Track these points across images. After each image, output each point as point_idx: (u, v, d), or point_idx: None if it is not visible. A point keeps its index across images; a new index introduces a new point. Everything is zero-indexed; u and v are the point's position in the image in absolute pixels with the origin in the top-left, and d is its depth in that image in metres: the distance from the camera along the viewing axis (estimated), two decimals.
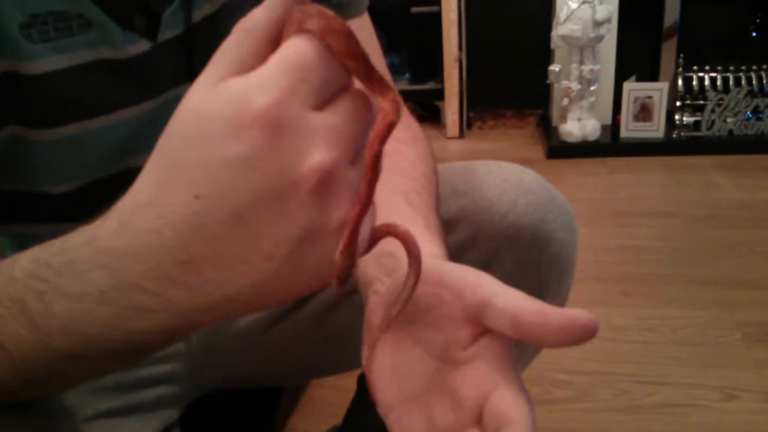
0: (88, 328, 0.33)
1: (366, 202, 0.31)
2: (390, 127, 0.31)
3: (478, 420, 0.34)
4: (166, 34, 0.53)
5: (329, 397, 1.22)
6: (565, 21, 2.29)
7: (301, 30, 0.30)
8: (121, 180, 0.56)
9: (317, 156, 0.29)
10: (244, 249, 0.30)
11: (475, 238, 0.62)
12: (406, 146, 0.60)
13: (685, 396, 1.20)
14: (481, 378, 0.35)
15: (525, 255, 0.62)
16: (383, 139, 0.31)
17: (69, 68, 0.48)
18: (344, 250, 0.31)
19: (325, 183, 0.29)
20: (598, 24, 2.27)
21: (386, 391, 0.39)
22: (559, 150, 2.46)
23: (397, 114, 0.31)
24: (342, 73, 0.31)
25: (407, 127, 0.63)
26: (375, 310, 0.42)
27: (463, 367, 0.37)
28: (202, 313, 0.32)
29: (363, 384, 0.79)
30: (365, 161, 0.31)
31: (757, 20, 2.48)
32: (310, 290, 0.34)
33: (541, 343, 0.33)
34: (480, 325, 0.36)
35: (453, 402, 0.36)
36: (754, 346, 1.32)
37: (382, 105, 0.31)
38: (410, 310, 0.39)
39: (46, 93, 0.48)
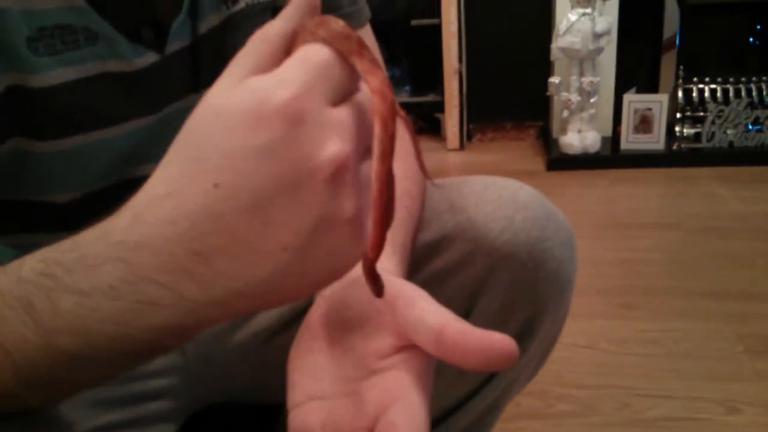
0: (95, 325, 0.33)
1: (384, 222, 0.33)
2: (392, 139, 0.33)
3: (373, 428, 0.35)
4: (173, 45, 0.53)
5: None
6: (564, 33, 2.30)
7: (315, 37, 0.32)
8: (122, 189, 0.56)
9: (333, 147, 0.30)
10: (258, 238, 0.31)
11: (471, 255, 0.62)
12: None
13: (687, 409, 1.19)
14: (389, 388, 0.36)
15: (522, 273, 0.61)
16: (391, 152, 0.33)
17: (76, 80, 0.49)
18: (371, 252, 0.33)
19: (339, 173, 0.31)
20: (597, 36, 2.28)
21: (299, 389, 0.40)
22: (560, 162, 2.46)
23: (394, 120, 0.33)
24: (354, 75, 0.33)
25: (399, 139, 0.63)
26: (316, 309, 0.42)
27: (377, 375, 0.37)
28: (212, 308, 0.33)
29: None
30: (377, 182, 0.32)
31: (757, 31, 2.49)
32: (321, 285, 0.34)
33: (459, 363, 0.34)
34: (405, 338, 0.37)
35: (355, 406, 0.37)
36: (757, 359, 1.31)
37: (378, 108, 0.32)
38: (344, 314, 0.40)
39: (53, 105, 0.48)
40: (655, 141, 2.41)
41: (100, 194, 0.55)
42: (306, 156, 0.30)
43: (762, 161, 2.34)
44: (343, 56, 0.32)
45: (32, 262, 0.35)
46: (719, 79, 2.42)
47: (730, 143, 2.39)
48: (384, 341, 0.38)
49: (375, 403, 0.35)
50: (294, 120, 0.30)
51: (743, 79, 2.40)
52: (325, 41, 0.32)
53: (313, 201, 0.30)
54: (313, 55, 0.32)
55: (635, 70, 2.53)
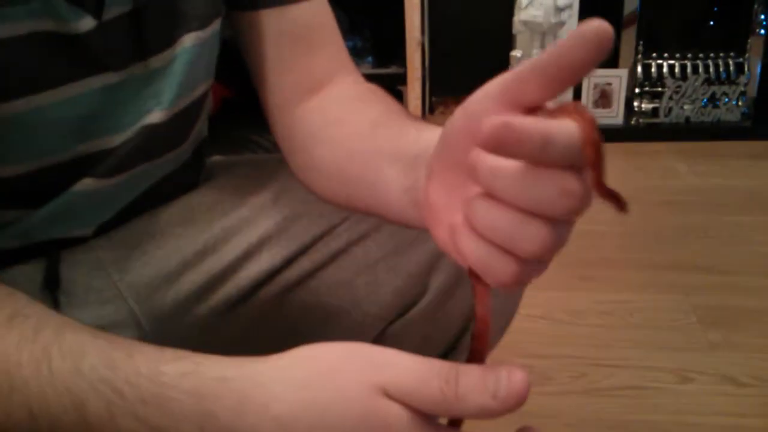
0: None
1: None
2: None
3: None
4: (111, 11, 0.51)
5: None
6: (527, 6, 2.30)
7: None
8: (76, 165, 0.54)
9: None
10: None
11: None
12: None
13: (642, 378, 1.22)
14: None
15: None
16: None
17: (7, 39, 0.46)
18: None
19: None
20: (559, 10, 2.28)
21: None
22: None
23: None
24: None
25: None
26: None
27: None
28: None
29: None
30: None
31: (715, 9, 2.52)
32: None
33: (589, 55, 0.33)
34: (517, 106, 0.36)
35: None
36: (709, 329, 1.35)
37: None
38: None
39: None
40: (613, 116, 2.43)
41: (51, 171, 0.53)
42: None
43: (717, 136, 2.38)
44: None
45: (95, 360, 0.36)
46: (678, 55, 2.45)
47: (687, 118, 2.42)
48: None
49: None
50: None
51: (701, 55, 2.43)
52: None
53: None
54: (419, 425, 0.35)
55: None
